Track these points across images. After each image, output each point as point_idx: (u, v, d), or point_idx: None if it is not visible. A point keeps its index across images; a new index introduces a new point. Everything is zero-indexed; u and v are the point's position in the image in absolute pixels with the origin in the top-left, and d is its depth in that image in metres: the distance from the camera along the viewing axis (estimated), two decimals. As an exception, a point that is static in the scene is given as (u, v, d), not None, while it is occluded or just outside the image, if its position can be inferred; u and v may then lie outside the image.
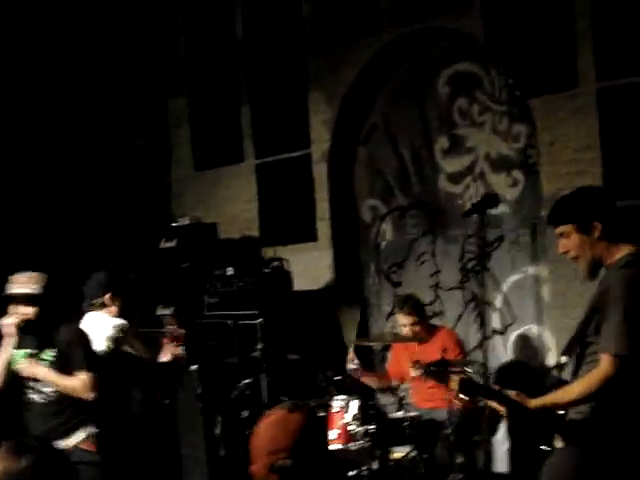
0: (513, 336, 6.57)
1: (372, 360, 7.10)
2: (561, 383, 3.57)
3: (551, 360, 6.22)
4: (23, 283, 4.66)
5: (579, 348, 3.48)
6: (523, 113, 6.34)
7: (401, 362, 6.13)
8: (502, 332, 6.63)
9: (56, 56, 8.33)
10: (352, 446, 5.26)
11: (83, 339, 4.80)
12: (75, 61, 8.38)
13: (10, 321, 4.59)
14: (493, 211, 6.65)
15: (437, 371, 5.64)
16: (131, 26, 8.41)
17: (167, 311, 7.13)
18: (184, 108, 8.33)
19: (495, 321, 6.66)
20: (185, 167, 8.34)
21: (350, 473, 5.28)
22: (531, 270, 6.45)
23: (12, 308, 4.65)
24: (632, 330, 3.28)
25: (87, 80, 8.39)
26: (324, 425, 2.66)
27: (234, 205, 7.87)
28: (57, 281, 7.29)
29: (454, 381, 3.57)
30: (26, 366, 4.63)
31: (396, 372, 6.18)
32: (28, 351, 4.64)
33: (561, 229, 3.55)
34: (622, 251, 3.46)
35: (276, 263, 6.90)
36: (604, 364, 3.31)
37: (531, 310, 6.45)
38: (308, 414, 2.43)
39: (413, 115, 7.14)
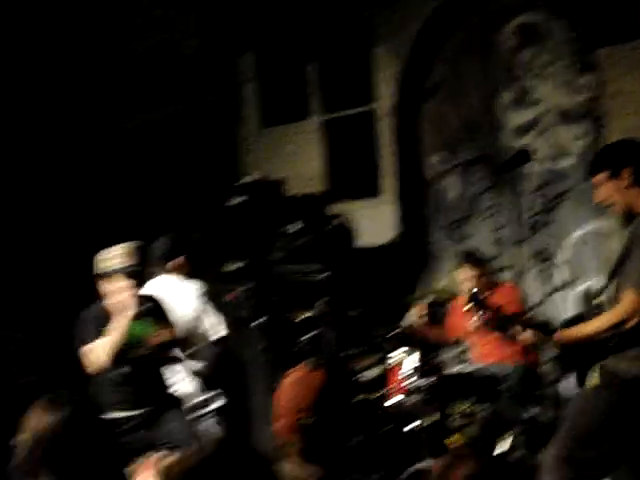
0: (577, 291, 6.51)
1: (435, 315, 7.12)
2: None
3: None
4: (123, 257, 4.62)
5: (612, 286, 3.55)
6: (588, 65, 6.23)
7: (459, 318, 6.14)
8: (566, 287, 6.58)
9: (126, 13, 8.49)
10: (410, 399, 5.32)
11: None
12: (145, 19, 8.52)
13: (125, 296, 4.56)
14: (559, 164, 6.62)
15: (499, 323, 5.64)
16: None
17: (235, 266, 7.27)
18: (252, 65, 8.39)
19: (560, 276, 6.62)
20: (254, 124, 8.42)
21: (408, 427, 5.35)
22: (596, 224, 6.37)
23: (112, 283, 4.62)
24: None
25: (157, 39, 8.52)
26: (348, 378, 2.71)
27: (301, 161, 7.93)
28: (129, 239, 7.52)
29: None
30: (161, 335, 4.70)
31: (455, 327, 6.20)
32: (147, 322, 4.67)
33: (596, 178, 3.60)
34: None
35: (339, 219, 6.95)
36: (626, 298, 3.42)
37: (596, 265, 6.38)
38: (329, 371, 2.49)
39: (478, 69, 7.06)
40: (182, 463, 1.93)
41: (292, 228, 6.97)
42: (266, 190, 7.42)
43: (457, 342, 6.19)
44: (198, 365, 5.24)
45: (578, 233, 6.50)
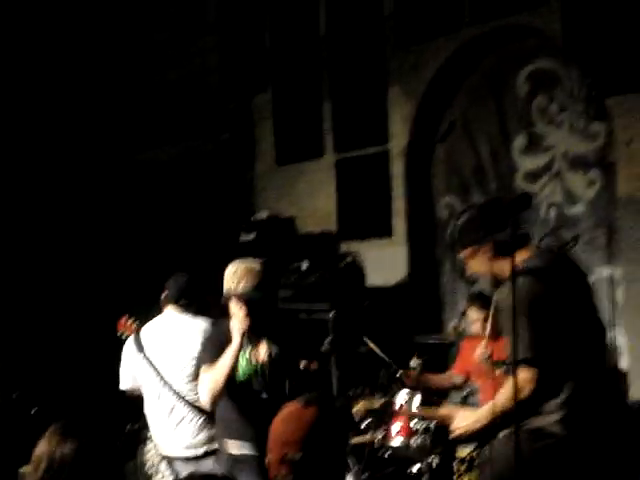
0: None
1: (445, 357, 7.10)
2: None
3: (624, 363, 6.14)
4: (251, 279, 4.43)
5: None
6: (601, 112, 6.26)
7: (469, 359, 6.12)
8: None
9: (146, 49, 8.62)
10: (413, 442, 5.29)
11: None
12: (164, 58, 8.66)
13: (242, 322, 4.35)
14: (569, 211, 6.63)
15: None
16: (219, 24, 8.62)
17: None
18: (268, 103, 8.47)
19: (569, 321, 6.58)
20: (268, 161, 8.48)
21: (410, 469, 5.32)
22: (606, 271, 6.36)
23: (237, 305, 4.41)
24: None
25: (176, 77, 8.66)
26: (341, 420, 2.69)
27: (313, 199, 7.97)
28: (141, 274, 7.59)
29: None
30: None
31: (463, 369, 6.18)
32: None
33: (463, 253, 3.74)
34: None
35: (350, 257, 6.98)
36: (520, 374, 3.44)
37: (605, 312, 6.35)
38: (321, 409, 2.50)
39: (491, 112, 7.11)
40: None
41: (301, 266, 7.01)
42: (278, 227, 7.48)
43: (465, 384, 6.17)
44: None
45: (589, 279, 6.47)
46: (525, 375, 3.47)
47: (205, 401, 4.40)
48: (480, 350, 5.79)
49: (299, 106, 8.14)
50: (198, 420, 4.98)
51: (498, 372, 5.65)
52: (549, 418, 3.53)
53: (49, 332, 7.86)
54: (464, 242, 3.73)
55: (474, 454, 5.31)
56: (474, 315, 6.06)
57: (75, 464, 2.41)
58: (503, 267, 3.52)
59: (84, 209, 8.49)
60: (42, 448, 2.48)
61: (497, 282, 3.67)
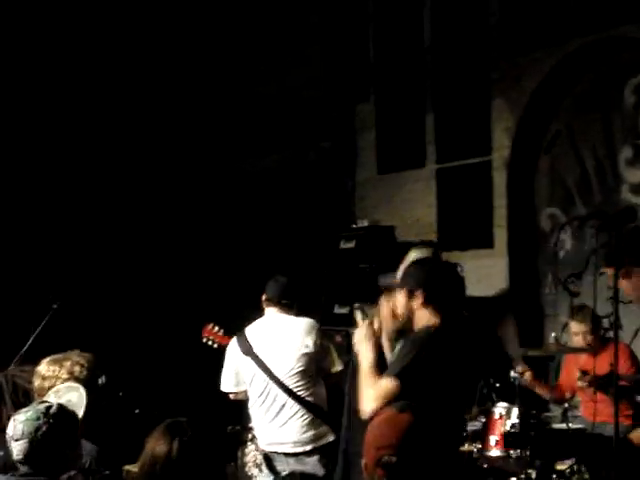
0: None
1: (546, 371, 7.04)
2: None
3: None
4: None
5: None
6: None
7: (572, 374, 6.07)
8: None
9: (251, 58, 8.80)
10: (512, 454, 5.29)
11: None
12: (268, 68, 8.83)
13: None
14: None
15: (604, 383, 5.58)
16: (324, 33, 8.74)
17: (343, 310, 7.39)
18: (371, 113, 8.55)
19: (673, 338, 6.46)
20: (369, 170, 8.56)
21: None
22: None
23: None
24: None
25: (280, 86, 8.82)
26: (432, 427, 2.74)
27: (414, 209, 8.01)
28: (244, 280, 7.73)
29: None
30: None
31: (567, 384, 6.13)
32: None
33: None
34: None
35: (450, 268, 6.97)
36: None
37: None
38: (416, 415, 2.55)
39: (597, 124, 7.02)
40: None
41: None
42: (377, 236, 7.54)
43: (567, 399, 6.12)
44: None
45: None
46: None
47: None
48: (577, 372, 5.78)
49: (401, 116, 8.20)
50: (307, 417, 5.10)
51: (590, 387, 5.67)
52: None
53: (150, 333, 8.07)
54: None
55: (574, 468, 5.28)
56: (576, 328, 6.02)
57: (179, 463, 2.51)
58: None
59: (191, 216, 8.71)
60: (149, 446, 2.58)
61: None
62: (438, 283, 3.93)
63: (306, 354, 5.14)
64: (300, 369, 5.12)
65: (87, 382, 3.46)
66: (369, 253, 7.37)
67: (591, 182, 7.12)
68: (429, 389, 3.53)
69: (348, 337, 6.78)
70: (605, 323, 6.39)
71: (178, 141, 8.66)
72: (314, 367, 5.19)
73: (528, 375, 5.91)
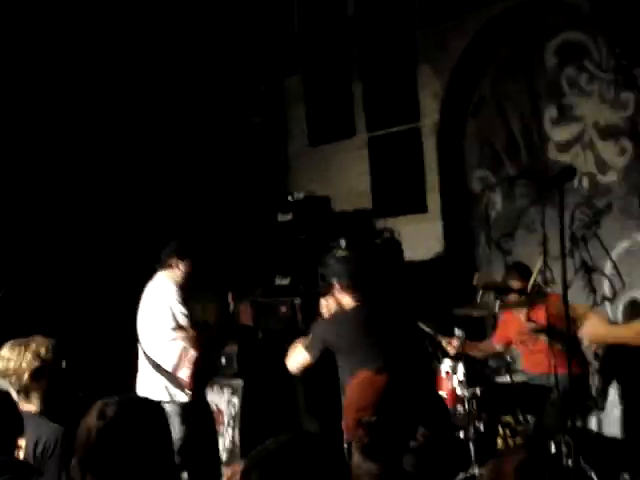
0: (622, 302, 6.61)
1: (483, 327, 7.25)
2: None
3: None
4: None
5: None
6: (630, 81, 6.35)
7: (509, 328, 6.27)
8: (612, 299, 6.68)
9: (177, 38, 8.75)
10: (459, 409, 5.47)
11: None
12: (195, 43, 8.78)
13: None
14: (602, 179, 6.75)
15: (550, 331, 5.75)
16: (247, 7, 8.73)
17: (284, 281, 7.48)
18: (299, 86, 8.60)
19: (605, 288, 6.72)
20: (301, 142, 8.63)
21: (457, 434, 5.50)
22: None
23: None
24: None
25: (207, 61, 8.78)
26: (408, 386, 2.87)
27: (347, 178, 8.11)
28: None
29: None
30: None
31: (503, 338, 6.33)
32: None
33: None
34: None
35: (387, 234, 7.13)
36: None
37: (640, 277, 6.49)
38: (392, 375, 2.67)
39: (521, 86, 7.20)
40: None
41: (339, 244, 7.16)
42: (314, 207, 7.63)
43: (505, 352, 6.33)
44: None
45: (622, 245, 6.60)
46: None
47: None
48: (525, 320, 5.97)
49: (330, 87, 8.27)
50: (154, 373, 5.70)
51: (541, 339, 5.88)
52: None
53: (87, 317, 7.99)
54: None
55: (519, 418, 5.49)
56: (512, 285, 6.21)
57: (113, 428, 2.49)
58: None
59: (123, 194, 8.64)
60: (82, 421, 2.58)
61: None
62: (350, 274, 4.72)
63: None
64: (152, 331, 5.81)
65: (52, 363, 3.51)
66: (306, 224, 7.46)
67: (518, 143, 7.31)
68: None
69: (293, 307, 6.89)
70: (539, 279, 6.63)
71: (110, 116, 8.57)
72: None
73: (454, 343, 6.00)
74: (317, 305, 6.93)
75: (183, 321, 5.71)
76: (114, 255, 8.15)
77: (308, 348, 4.67)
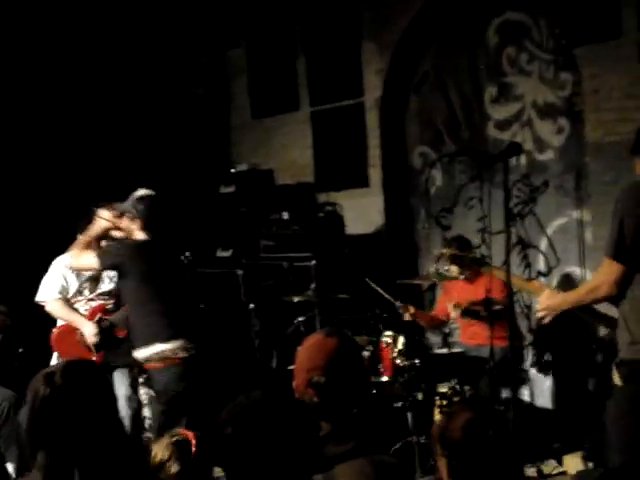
0: (557, 277, 6.81)
1: (422, 301, 7.40)
2: None
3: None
4: None
5: None
6: (569, 62, 6.51)
7: (449, 300, 6.41)
8: (546, 274, 6.87)
9: (121, 10, 8.66)
10: (399, 379, 5.60)
11: None
12: (139, 14, 8.71)
13: None
14: (540, 157, 6.91)
15: (474, 311, 5.96)
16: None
17: (226, 253, 7.52)
18: (242, 58, 8.60)
19: (540, 263, 6.91)
20: (243, 115, 8.64)
21: (396, 404, 5.63)
22: (575, 214, 6.66)
23: None
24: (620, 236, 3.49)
25: (150, 32, 8.71)
26: (357, 350, 2.97)
27: (290, 152, 8.16)
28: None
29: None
30: None
31: (443, 309, 6.49)
32: None
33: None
34: None
35: (329, 207, 7.22)
36: (601, 267, 3.60)
37: (574, 253, 6.67)
38: (342, 339, 2.75)
39: (463, 64, 7.32)
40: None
41: (282, 216, 7.23)
42: (256, 179, 7.67)
43: (445, 323, 6.48)
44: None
45: (558, 222, 6.79)
46: (610, 269, 3.56)
47: None
48: (451, 305, 6.13)
49: (273, 60, 8.29)
50: None
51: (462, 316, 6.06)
52: None
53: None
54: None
55: (455, 388, 5.64)
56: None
57: (57, 395, 2.51)
58: None
59: (64, 166, 8.56)
60: (29, 388, 2.61)
61: None
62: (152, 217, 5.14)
63: None
64: None
65: (6, 330, 3.50)
66: (249, 197, 7.50)
67: (459, 120, 7.44)
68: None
69: (235, 279, 6.94)
70: (477, 253, 6.78)
71: (55, 88, 8.47)
72: None
73: (411, 310, 6.20)
74: (259, 276, 7.04)
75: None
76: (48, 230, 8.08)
77: (101, 257, 5.08)
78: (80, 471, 2.43)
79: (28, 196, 7.83)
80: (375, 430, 5.55)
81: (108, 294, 5.55)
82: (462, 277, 6.22)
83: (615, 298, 3.56)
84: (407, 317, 6.10)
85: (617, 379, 3.67)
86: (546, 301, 3.80)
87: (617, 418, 3.64)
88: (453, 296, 6.30)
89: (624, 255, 3.48)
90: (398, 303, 6.17)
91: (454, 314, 6.17)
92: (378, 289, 6.06)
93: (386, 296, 6.10)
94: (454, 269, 6.28)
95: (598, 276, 3.64)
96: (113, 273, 5.39)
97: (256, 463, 2.17)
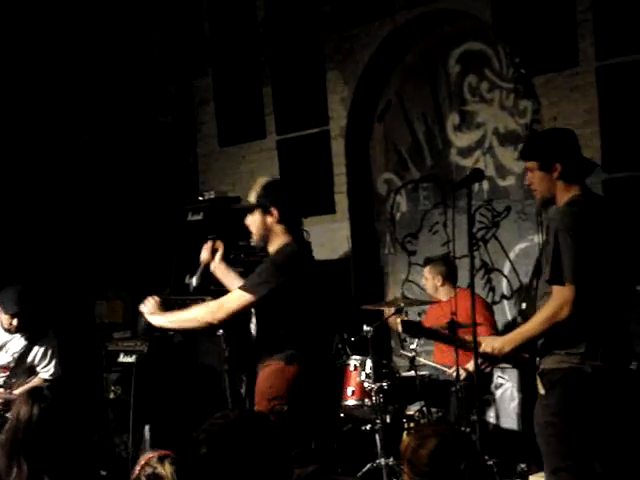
0: (520, 300, 6.95)
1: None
2: None
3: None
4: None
5: (534, 289, 3.87)
6: (528, 90, 6.69)
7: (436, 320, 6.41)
8: (510, 297, 7.02)
9: (85, 37, 8.75)
10: (367, 402, 5.68)
11: None
12: (105, 44, 8.80)
13: None
14: (501, 183, 7.08)
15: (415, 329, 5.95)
16: (157, 10, 8.80)
17: (194, 280, 7.56)
18: (209, 87, 8.70)
19: (503, 287, 7.06)
20: (210, 143, 8.73)
21: (364, 427, 5.71)
22: (536, 238, 6.80)
23: None
24: (567, 260, 3.63)
25: (116, 62, 8.82)
26: (318, 377, 3.03)
27: (257, 179, 8.21)
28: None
29: (396, 323, 3.99)
30: None
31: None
32: None
33: (528, 164, 3.95)
34: (571, 192, 3.83)
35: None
36: (554, 293, 3.68)
37: (536, 275, 6.81)
38: (303, 366, 2.81)
39: (426, 92, 7.49)
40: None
41: (250, 243, 7.29)
42: (225, 206, 7.75)
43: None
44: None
45: (520, 246, 6.94)
46: (564, 294, 3.67)
47: None
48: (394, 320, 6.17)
49: (240, 89, 8.40)
50: None
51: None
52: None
53: None
54: (534, 154, 3.93)
55: (423, 410, 5.73)
56: (426, 274, 6.49)
57: (39, 428, 2.68)
58: (561, 191, 3.84)
59: (27, 192, 8.59)
60: (14, 412, 2.77)
61: (546, 201, 3.97)
62: (290, 202, 4.56)
63: None
64: None
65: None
66: (217, 224, 7.56)
67: (422, 147, 7.60)
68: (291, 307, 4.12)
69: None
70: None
71: (14, 116, 8.51)
72: None
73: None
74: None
75: None
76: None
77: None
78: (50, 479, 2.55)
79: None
80: (342, 453, 5.65)
81: None
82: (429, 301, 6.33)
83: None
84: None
85: (541, 388, 3.82)
86: (488, 348, 3.88)
87: (548, 425, 3.77)
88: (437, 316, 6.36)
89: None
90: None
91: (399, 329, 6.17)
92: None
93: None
94: (429, 286, 6.42)
95: (552, 303, 3.73)
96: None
97: None
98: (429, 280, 6.45)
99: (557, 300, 3.67)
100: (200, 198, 7.76)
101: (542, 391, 3.80)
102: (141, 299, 8.52)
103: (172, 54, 8.81)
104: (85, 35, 8.90)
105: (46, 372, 6.32)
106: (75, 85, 8.93)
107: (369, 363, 5.72)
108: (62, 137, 8.99)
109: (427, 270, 6.48)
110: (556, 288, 3.67)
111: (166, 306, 6.96)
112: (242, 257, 7.22)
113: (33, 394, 2.77)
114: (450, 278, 6.42)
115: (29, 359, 6.29)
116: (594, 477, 3.72)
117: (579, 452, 3.72)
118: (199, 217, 7.64)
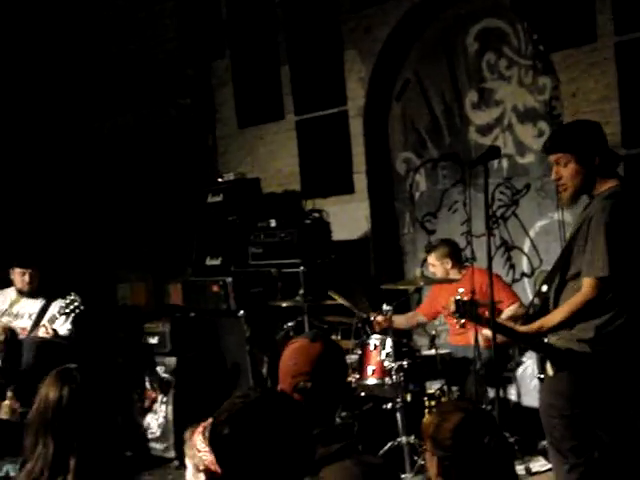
0: (540, 278, 6.93)
1: (408, 304, 7.51)
2: (543, 310, 3.97)
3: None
4: None
5: (559, 276, 3.85)
6: (547, 66, 6.65)
7: (439, 301, 6.47)
8: (530, 275, 7.01)
9: (106, 17, 8.79)
10: (387, 381, 5.70)
11: None
12: (122, 26, 8.83)
13: None
14: (520, 160, 7.05)
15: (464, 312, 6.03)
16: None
17: (215, 262, 7.62)
18: (227, 69, 8.71)
19: (523, 265, 7.05)
20: (229, 125, 8.74)
21: (385, 406, 5.74)
22: (556, 216, 6.78)
23: None
24: (613, 254, 3.61)
25: (135, 46, 8.85)
26: (342, 354, 3.06)
27: (276, 160, 8.27)
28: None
29: (450, 302, 3.99)
30: None
31: (428, 310, 6.59)
32: None
33: (559, 156, 3.84)
34: (608, 184, 3.80)
35: (316, 214, 7.32)
36: (586, 287, 3.67)
37: (557, 253, 6.77)
38: (326, 344, 2.84)
39: (444, 70, 7.46)
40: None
41: (270, 224, 7.33)
42: (243, 188, 7.78)
43: (428, 324, 6.60)
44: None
45: (540, 223, 6.92)
46: (598, 288, 3.67)
47: None
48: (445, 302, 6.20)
49: (258, 70, 8.39)
50: None
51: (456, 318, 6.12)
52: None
53: None
54: (569, 146, 3.83)
55: (443, 389, 5.75)
56: (432, 261, 6.48)
57: (69, 410, 2.69)
58: (597, 184, 3.79)
59: (49, 176, 8.66)
60: (43, 392, 2.77)
61: (578, 195, 3.91)
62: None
63: None
64: None
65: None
66: (236, 205, 7.60)
67: (441, 126, 7.57)
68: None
69: (225, 287, 7.04)
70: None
71: (35, 101, 8.57)
72: None
73: (379, 319, 6.14)
74: (248, 283, 7.14)
75: None
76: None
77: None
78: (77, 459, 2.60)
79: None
80: (363, 432, 5.68)
81: None
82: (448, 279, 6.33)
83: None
84: (377, 327, 6.14)
85: (549, 369, 3.83)
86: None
87: (553, 407, 3.78)
88: (440, 297, 6.40)
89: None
90: (371, 315, 6.20)
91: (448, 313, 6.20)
92: (342, 300, 6.14)
93: (350, 306, 6.17)
94: (434, 272, 6.42)
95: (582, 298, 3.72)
96: None
97: (254, 463, 2.17)
98: (437, 266, 6.41)
99: (586, 295, 3.67)
100: (219, 180, 7.80)
101: (551, 372, 3.80)
102: (162, 281, 8.66)
103: (190, 37, 8.81)
104: (104, 19, 8.94)
105: (63, 327, 6.24)
106: (95, 70, 8.98)
107: (389, 342, 5.73)
108: (85, 122, 9.05)
109: (433, 257, 6.43)
110: (590, 281, 3.66)
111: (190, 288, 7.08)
112: (262, 238, 7.26)
113: (62, 375, 2.77)
114: (457, 257, 6.42)
115: (45, 319, 6.24)
116: (597, 459, 3.74)
117: (584, 435, 3.73)
118: (219, 199, 7.68)
